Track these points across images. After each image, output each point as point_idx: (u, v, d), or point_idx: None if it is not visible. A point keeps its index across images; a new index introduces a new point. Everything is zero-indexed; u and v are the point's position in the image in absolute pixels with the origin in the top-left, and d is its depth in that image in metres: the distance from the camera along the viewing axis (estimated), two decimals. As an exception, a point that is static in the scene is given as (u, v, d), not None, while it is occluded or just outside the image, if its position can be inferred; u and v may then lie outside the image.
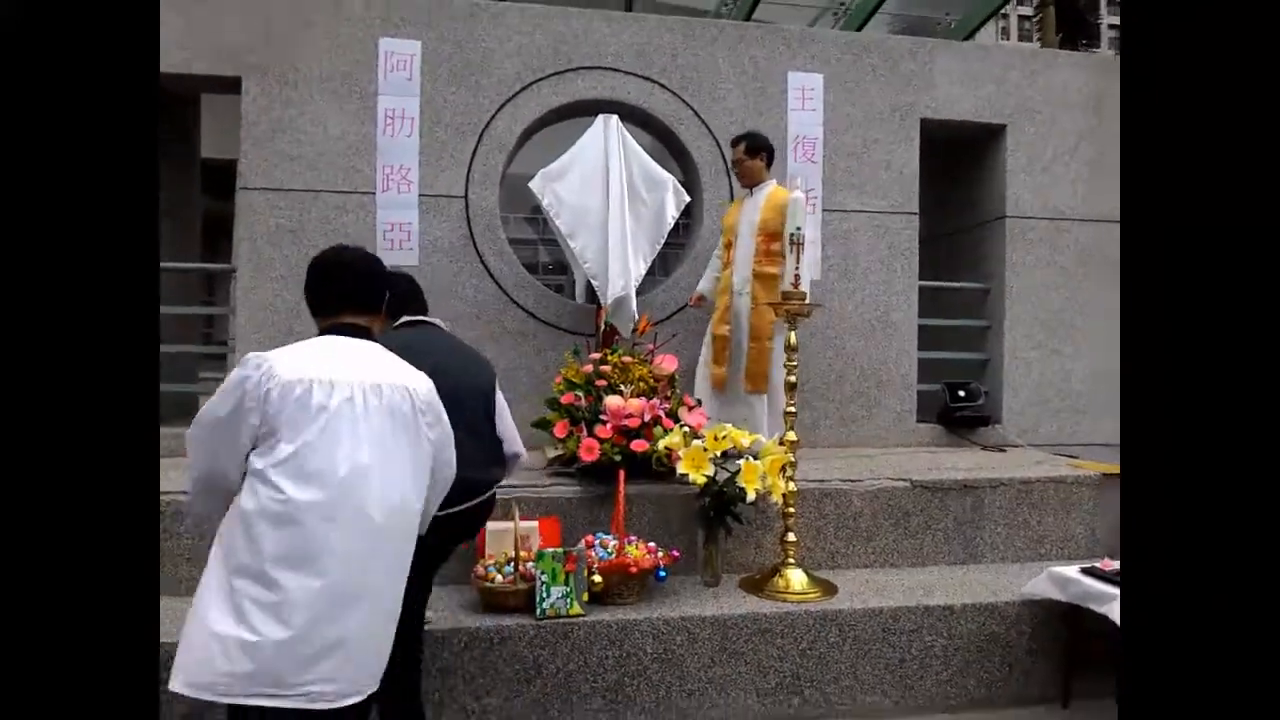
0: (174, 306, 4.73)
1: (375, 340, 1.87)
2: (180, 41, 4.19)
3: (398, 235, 4.20)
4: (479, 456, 2.31)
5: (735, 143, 4.10)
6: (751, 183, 4.06)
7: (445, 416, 1.88)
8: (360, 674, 1.67)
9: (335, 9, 4.33)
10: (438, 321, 2.52)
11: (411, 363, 1.89)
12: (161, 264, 4.65)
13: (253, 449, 1.67)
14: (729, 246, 4.07)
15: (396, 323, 2.44)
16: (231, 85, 4.30)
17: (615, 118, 4.18)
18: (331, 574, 1.61)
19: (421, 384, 1.84)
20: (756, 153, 4.02)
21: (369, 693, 1.71)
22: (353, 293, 1.85)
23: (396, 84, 4.27)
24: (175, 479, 3.35)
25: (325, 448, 1.64)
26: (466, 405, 2.25)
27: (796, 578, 3.16)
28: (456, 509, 2.18)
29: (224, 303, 7.94)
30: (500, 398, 2.51)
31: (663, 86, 4.64)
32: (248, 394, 1.64)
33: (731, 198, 4.51)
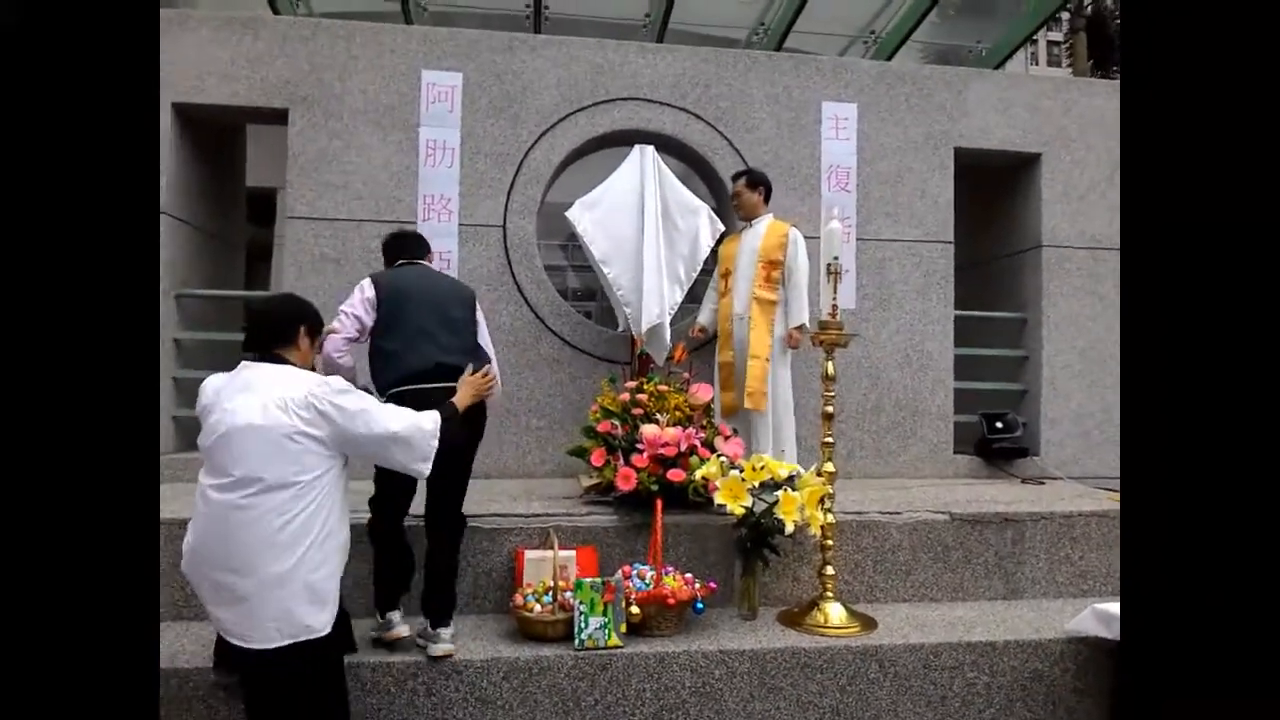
0: (217, 333, 4.82)
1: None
2: (228, 74, 4.32)
3: (437, 263, 4.26)
4: (454, 344, 2.88)
5: (736, 178, 4.20)
6: (750, 215, 4.15)
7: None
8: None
9: (379, 42, 4.44)
10: (425, 262, 3.16)
11: (399, 287, 2.87)
12: (208, 291, 4.78)
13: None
14: (726, 276, 4.13)
15: (395, 264, 3.11)
16: (278, 117, 4.42)
17: (651, 148, 4.23)
18: None
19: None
20: (755, 186, 4.12)
21: None
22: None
23: (438, 115, 4.37)
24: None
25: None
26: (444, 305, 2.93)
27: (835, 612, 3.12)
28: (439, 385, 2.71)
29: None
30: (480, 315, 3.10)
31: (697, 117, 4.69)
32: None
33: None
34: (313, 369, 2.40)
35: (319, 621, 2.14)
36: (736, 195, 4.18)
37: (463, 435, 2.64)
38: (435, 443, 2.33)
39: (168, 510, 3.27)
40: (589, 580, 2.89)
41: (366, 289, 2.90)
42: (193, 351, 4.56)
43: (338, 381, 2.24)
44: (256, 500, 2.07)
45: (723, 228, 4.21)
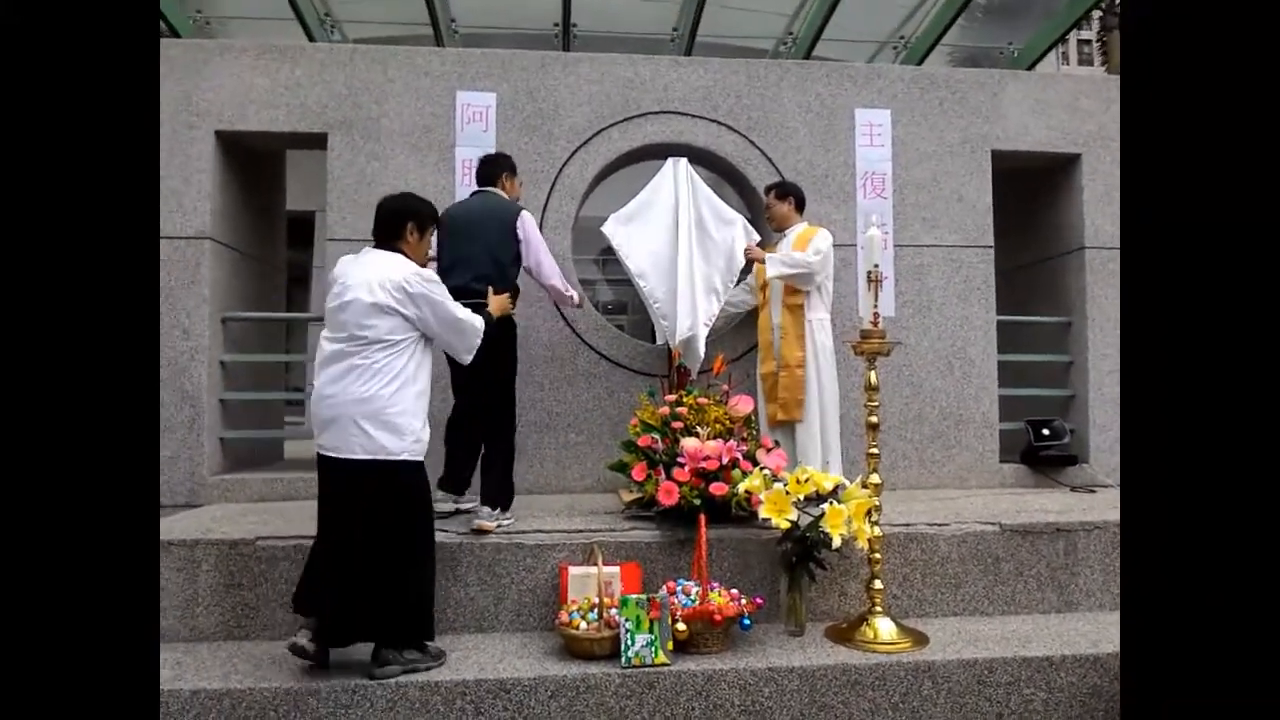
0: (260, 355, 4.91)
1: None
2: (269, 101, 4.42)
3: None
4: (486, 268, 3.44)
5: (767, 191, 4.22)
6: (782, 226, 4.16)
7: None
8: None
9: (414, 66, 4.51)
10: (489, 189, 3.71)
11: (453, 216, 3.53)
12: (253, 314, 4.88)
13: None
14: (764, 288, 4.12)
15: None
16: (317, 141, 4.50)
17: (684, 160, 4.23)
18: None
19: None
20: (785, 197, 4.14)
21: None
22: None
23: (473, 135, 4.42)
24: (263, 524, 3.46)
25: None
26: (481, 233, 3.51)
27: (885, 627, 3.06)
28: (470, 302, 3.12)
29: (299, 350, 8.25)
30: (525, 231, 3.58)
31: (729, 128, 4.68)
32: None
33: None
34: (426, 258, 2.98)
35: (395, 447, 2.69)
36: (768, 208, 4.20)
37: (496, 330, 3.20)
38: (479, 340, 2.96)
39: (218, 531, 3.32)
40: (634, 597, 2.87)
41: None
42: (238, 373, 4.65)
43: (429, 273, 2.80)
44: (355, 350, 2.67)
45: (758, 237, 4.19)
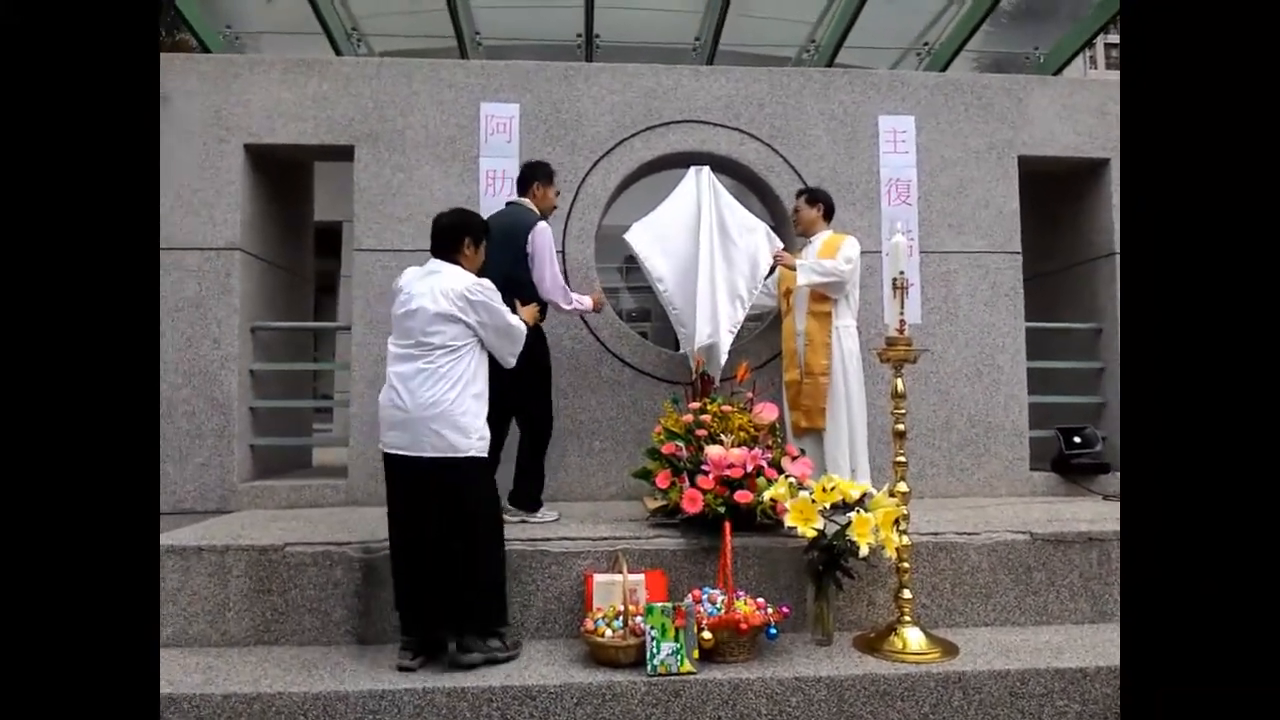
0: (289, 364, 4.98)
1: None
2: (296, 114, 4.49)
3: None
4: (506, 276, 3.40)
5: (798, 195, 4.24)
6: (807, 232, 4.16)
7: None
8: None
9: (438, 78, 4.57)
10: (516, 199, 3.85)
11: (490, 227, 3.28)
12: (282, 324, 4.95)
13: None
14: (788, 294, 4.13)
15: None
16: (344, 153, 4.57)
17: (706, 169, 4.23)
18: None
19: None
20: (815, 203, 4.14)
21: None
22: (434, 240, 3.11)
23: (497, 146, 4.47)
24: (275, 531, 3.49)
25: None
26: (505, 242, 3.54)
27: (914, 637, 3.02)
28: None
29: (327, 358, 8.34)
30: (535, 244, 3.65)
31: (752, 136, 4.68)
32: None
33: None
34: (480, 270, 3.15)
35: (463, 445, 2.89)
36: (796, 211, 4.20)
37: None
38: (521, 346, 3.15)
39: (247, 537, 3.36)
40: (660, 605, 2.86)
41: None
42: (267, 381, 4.71)
43: (487, 282, 3.01)
44: (421, 354, 2.90)
45: (781, 245, 4.17)
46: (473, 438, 2.92)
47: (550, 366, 3.83)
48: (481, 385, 3.01)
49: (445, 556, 2.86)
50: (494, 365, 3.11)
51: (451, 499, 2.88)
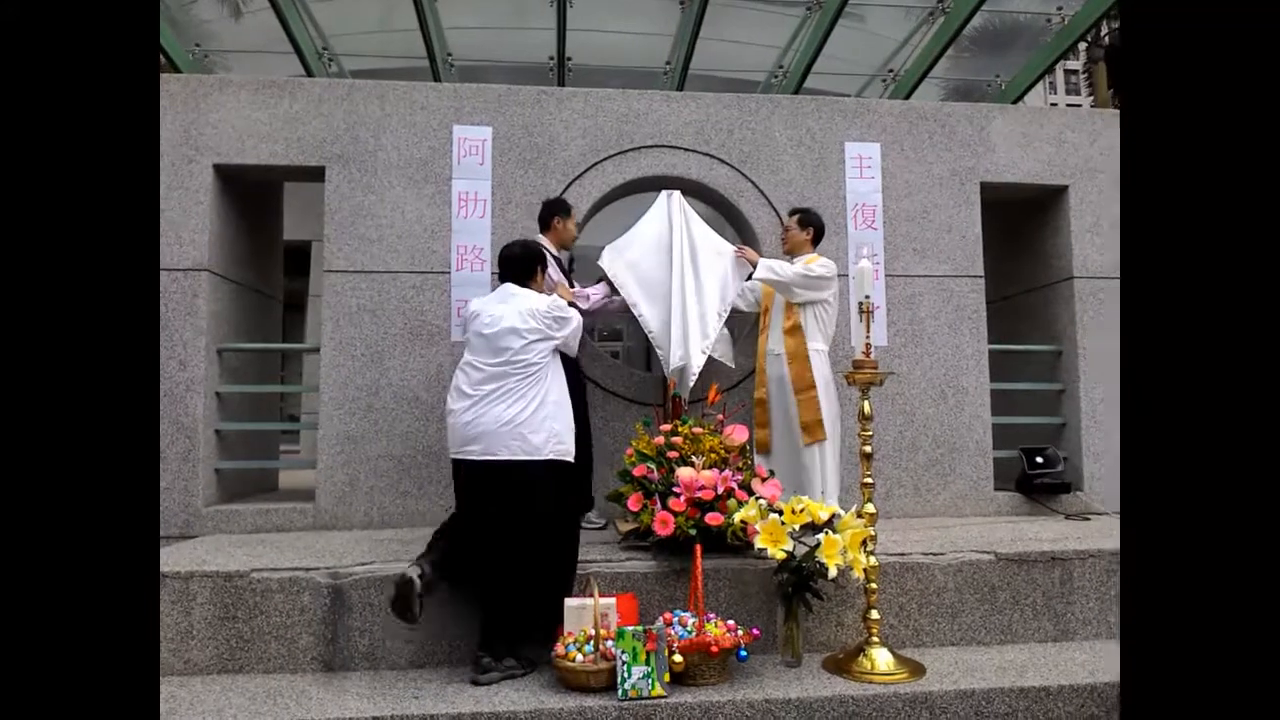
0: (256, 385, 4.91)
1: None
2: (267, 135, 4.47)
3: (468, 311, 4.33)
4: None
5: (792, 213, 4.30)
6: (792, 252, 4.22)
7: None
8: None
9: (411, 100, 4.58)
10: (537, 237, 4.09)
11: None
12: (250, 345, 4.89)
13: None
14: (765, 313, 4.21)
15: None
16: (315, 174, 4.55)
17: (677, 193, 4.29)
18: None
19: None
20: (806, 226, 4.21)
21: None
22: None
23: (469, 168, 4.49)
24: (239, 558, 3.44)
25: None
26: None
27: (882, 658, 3.06)
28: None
29: (294, 379, 8.23)
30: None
31: (722, 161, 4.75)
32: None
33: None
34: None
35: (547, 448, 3.10)
36: (786, 230, 4.26)
37: None
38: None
39: (212, 563, 3.31)
40: (631, 629, 2.87)
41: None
42: (233, 402, 4.65)
43: (560, 300, 3.37)
44: (511, 371, 3.13)
45: (750, 269, 4.24)
46: (548, 441, 3.11)
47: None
48: (561, 392, 3.24)
49: (500, 571, 3.03)
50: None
51: (523, 499, 3.05)
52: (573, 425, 3.27)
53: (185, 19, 6.13)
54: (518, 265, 3.37)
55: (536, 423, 3.10)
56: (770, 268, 4.04)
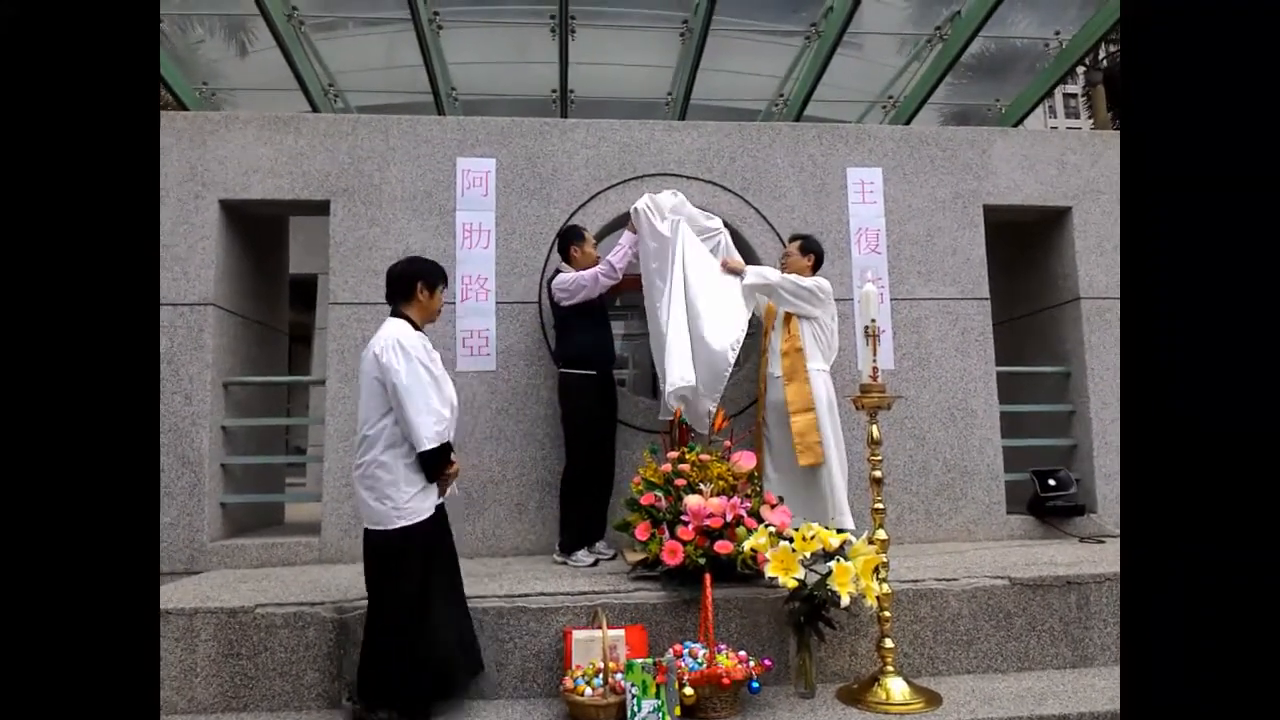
0: (261, 419, 4.91)
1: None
2: (273, 170, 4.52)
3: (476, 342, 4.35)
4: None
5: (793, 239, 4.38)
6: None
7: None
8: None
9: (415, 134, 4.63)
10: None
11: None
12: (256, 379, 4.89)
13: None
14: (766, 334, 4.27)
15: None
16: (320, 208, 4.59)
17: (682, 220, 4.30)
18: None
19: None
20: (807, 253, 4.28)
21: None
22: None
23: (473, 200, 4.52)
24: (243, 593, 3.40)
25: None
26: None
27: (897, 688, 2.99)
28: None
29: (300, 410, 8.23)
30: (564, 284, 4.13)
31: (725, 188, 4.77)
32: None
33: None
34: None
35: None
36: (787, 255, 4.32)
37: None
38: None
39: (216, 599, 3.28)
40: (640, 661, 2.82)
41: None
42: (239, 436, 4.64)
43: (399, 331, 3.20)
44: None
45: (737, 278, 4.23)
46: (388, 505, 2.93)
47: (574, 411, 4.09)
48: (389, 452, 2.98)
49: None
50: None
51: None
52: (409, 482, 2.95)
53: (192, 58, 6.23)
54: (391, 287, 3.20)
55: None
56: (758, 273, 4.13)
